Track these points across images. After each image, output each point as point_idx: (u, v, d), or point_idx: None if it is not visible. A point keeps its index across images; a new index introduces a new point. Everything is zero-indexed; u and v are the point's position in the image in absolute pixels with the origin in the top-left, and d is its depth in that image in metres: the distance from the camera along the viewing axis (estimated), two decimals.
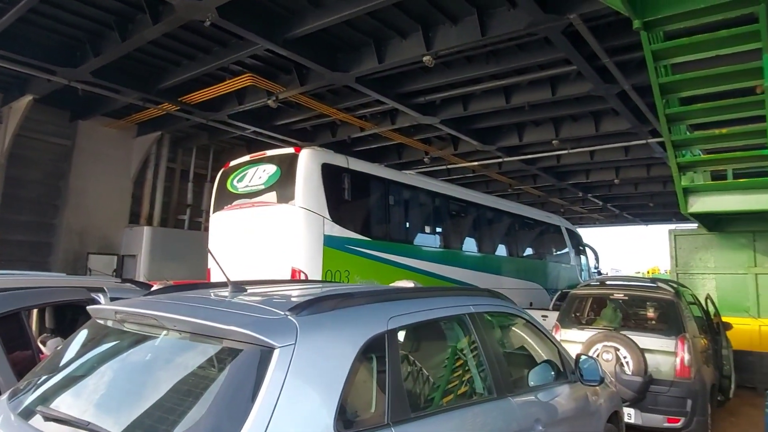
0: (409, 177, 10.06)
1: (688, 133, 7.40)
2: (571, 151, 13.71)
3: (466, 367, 2.70)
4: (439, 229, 10.26)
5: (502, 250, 12.02)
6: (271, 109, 11.76)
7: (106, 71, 9.91)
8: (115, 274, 13.67)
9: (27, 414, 2.03)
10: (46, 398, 2.11)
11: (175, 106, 11.73)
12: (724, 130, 6.98)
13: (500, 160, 14.99)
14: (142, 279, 12.59)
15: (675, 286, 6.34)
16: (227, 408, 1.71)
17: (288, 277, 7.03)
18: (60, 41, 9.60)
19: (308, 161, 7.58)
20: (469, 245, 11.00)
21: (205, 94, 11.06)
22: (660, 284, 6.34)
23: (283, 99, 10.95)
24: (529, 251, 13.45)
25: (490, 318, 2.97)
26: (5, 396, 2.29)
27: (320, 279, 7.14)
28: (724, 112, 6.42)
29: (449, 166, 16.16)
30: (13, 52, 9.19)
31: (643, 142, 12.26)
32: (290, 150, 7.87)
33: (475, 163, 15.77)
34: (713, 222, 8.86)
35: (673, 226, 13.30)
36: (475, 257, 10.87)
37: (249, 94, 11.42)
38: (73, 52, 9.70)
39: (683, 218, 12.26)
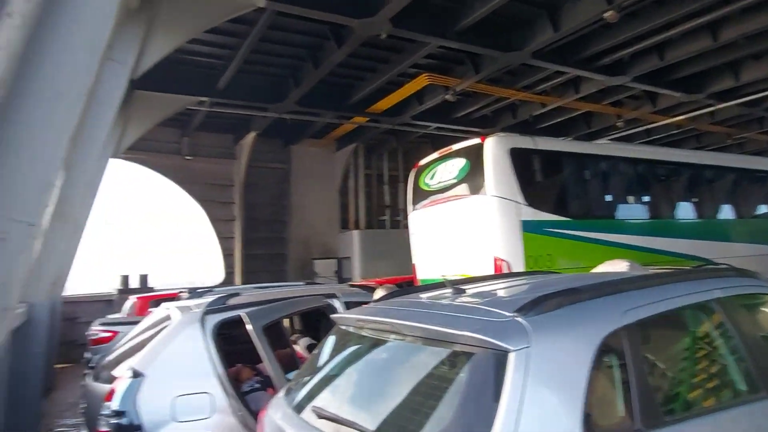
0: (602, 147, 9.29)
1: None
2: None
3: (722, 362, 2.35)
4: (645, 198, 9.25)
5: (727, 213, 10.26)
6: (449, 103, 11.97)
7: (306, 99, 11.23)
8: (336, 274, 15.51)
9: (299, 409, 2.41)
10: (312, 396, 2.47)
11: (364, 118, 12.75)
12: None
13: (712, 108, 12.93)
14: (358, 278, 14.02)
15: None
16: (475, 409, 1.79)
17: (491, 266, 7.09)
18: (268, 81, 11.21)
19: (495, 149, 7.51)
20: (685, 211, 9.65)
21: (389, 101, 11.79)
22: None
23: (460, 91, 11.06)
24: (763, 210, 11.23)
25: (741, 302, 2.58)
26: (282, 393, 2.78)
27: (522, 265, 7.04)
28: None
29: (648, 126, 14.45)
30: (238, 98, 11.05)
31: None
32: (476, 140, 7.88)
33: (681, 117, 13.74)
34: None
35: None
36: (693, 224, 9.49)
37: (427, 92, 11.82)
38: (279, 88, 11.24)
39: None
